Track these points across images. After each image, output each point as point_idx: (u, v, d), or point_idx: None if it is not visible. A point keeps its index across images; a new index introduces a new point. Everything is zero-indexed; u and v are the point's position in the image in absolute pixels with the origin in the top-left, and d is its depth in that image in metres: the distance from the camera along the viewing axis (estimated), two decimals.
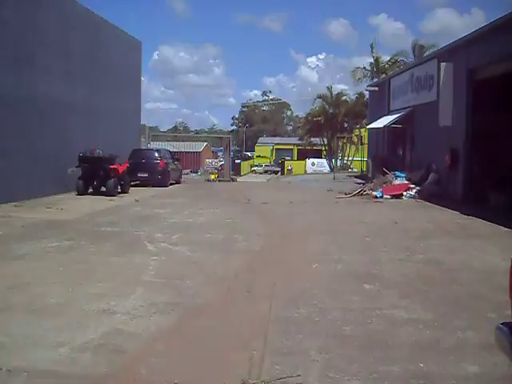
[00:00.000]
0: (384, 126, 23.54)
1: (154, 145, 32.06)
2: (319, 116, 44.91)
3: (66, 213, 13.89)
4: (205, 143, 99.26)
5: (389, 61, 36.84)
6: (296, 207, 15.89)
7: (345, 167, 46.12)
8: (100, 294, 6.51)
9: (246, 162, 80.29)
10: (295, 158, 71.42)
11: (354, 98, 44.50)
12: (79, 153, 18.47)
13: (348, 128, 45.33)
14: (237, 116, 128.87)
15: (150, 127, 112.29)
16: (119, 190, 19.53)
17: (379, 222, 12.72)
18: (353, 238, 10.51)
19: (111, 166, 18.59)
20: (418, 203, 16.90)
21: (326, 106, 45.34)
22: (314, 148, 54.44)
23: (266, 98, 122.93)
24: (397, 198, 18.04)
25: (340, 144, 45.82)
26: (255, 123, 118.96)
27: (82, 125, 20.76)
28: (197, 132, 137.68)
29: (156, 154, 24.03)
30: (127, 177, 20.16)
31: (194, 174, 64.49)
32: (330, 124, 44.71)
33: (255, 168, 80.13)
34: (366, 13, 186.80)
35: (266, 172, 74.44)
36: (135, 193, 20.09)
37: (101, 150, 18.59)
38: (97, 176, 18.65)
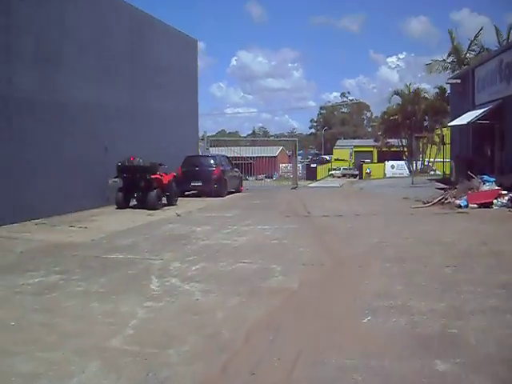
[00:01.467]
0: (468, 123, 20.36)
1: (221, 151, 30.24)
2: (396, 114, 41.34)
3: (87, 232, 11.98)
4: (280, 147, 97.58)
5: (470, 47, 32.68)
6: (361, 221, 13.27)
7: (425, 170, 42.41)
8: (30, 374, 4.37)
9: (323, 165, 77.95)
10: (375, 161, 68.00)
11: (434, 93, 40.79)
12: (118, 162, 16.65)
13: (428, 126, 41.48)
14: (315, 119, 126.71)
15: (230, 133, 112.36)
16: (165, 202, 17.60)
17: (463, 242, 9.91)
18: (427, 268, 7.83)
19: (153, 176, 16.64)
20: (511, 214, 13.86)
21: (403, 103, 41.76)
22: (395, 149, 50.79)
23: (345, 99, 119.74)
24: (485, 207, 15.01)
25: (420, 144, 42.22)
26: (334, 126, 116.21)
27: (127, 131, 19.03)
28: (277, 136, 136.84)
29: (211, 161, 21.97)
30: (174, 187, 18.19)
31: (269, 180, 62.94)
32: (408, 123, 41.06)
33: (333, 172, 77.56)
34: (447, 8, 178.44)
35: (344, 176, 71.57)
36: (184, 205, 18.12)
37: (141, 158, 16.67)
38: (137, 187, 16.73)
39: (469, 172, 16.93)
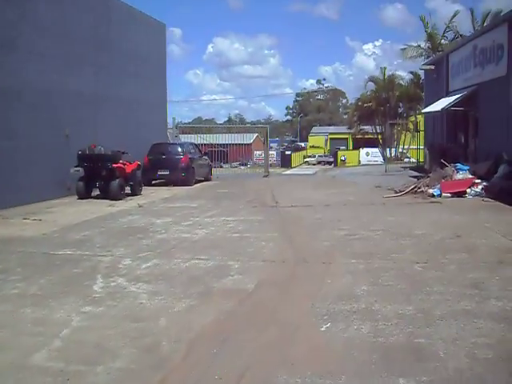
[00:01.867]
0: (442, 110, 19.88)
1: (194, 139, 29.47)
2: (370, 101, 40.78)
3: (40, 226, 11.23)
4: (255, 135, 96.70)
5: (444, 33, 32.06)
6: (330, 212, 12.70)
7: (399, 157, 41.97)
8: None
9: (298, 152, 77.32)
10: (351, 148, 67.56)
11: (408, 80, 40.29)
12: (78, 150, 15.86)
13: (403, 113, 40.99)
14: (291, 106, 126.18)
15: (206, 120, 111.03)
16: (129, 192, 16.88)
17: (435, 234, 9.39)
18: (396, 265, 7.27)
19: (114, 165, 15.86)
20: (486, 203, 13.38)
21: (378, 90, 41.20)
22: (370, 137, 50.29)
23: (321, 86, 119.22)
24: (458, 196, 14.55)
25: (394, 132, 41.79)
26: (310, 113, 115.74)
27: (91, 118, 18.23)
28: (253, 123, 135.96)
29: (178, 149, 21.19)
30: (138, 176, 17.44)
31: (243, 167, 62.18)
32: (382, 110, 40.53)
33: (308, 159, 77.07)
34: None
35: (319, 163, 71.16)
36: (149, 194, 17.40)
37: (102, 146, 15.90)
38: (99, 177, 15.96)
39: (442, 160, 16.45)
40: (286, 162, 61.44)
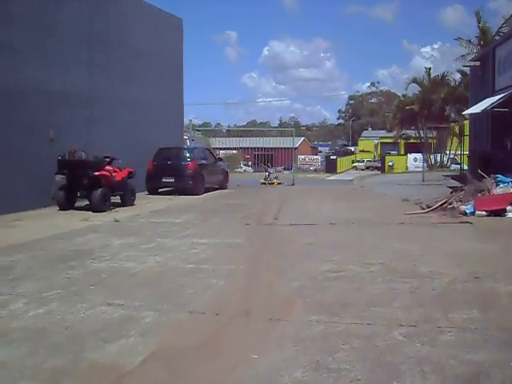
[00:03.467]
0: (482, 111, 17.13)
1: (233, 142, 28.45)
2: (413, 103, 37.62)
3: None
4: (301, 138, 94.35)
5: (500, 28, 28.53)
6: (331, 234, 10.39)
7: (446, 164, 38.62)
8: None
9: (346, 157, 74.35)
10: (402, 153, 64.17)
11: (458, 80, 36.94)
12: (58, 155, 14.10)
13: (449, 116, 37.59)
14: (343, 109, 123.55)
15: (261, 123, 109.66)
16: (119, 202, 15.10)
17: (446, 273, 6.97)
18: (367, 330, 4.97)
19: (97, 173, 14.00)
20: None
21: (422, 92, 38.04)
22: (417, 142, 47.06)
23: (375, 89, 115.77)
24: (496, 214, 11.97)
25: (439, 136, 38.54)
26: (363, 116, 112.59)
27: (83, 120, 16.54)
28: (308, 128, 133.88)
29: (186, 154, 19.22)
30: (130, 185, 15.57)
31: (287, 172, 59.97)
32: (426, 113, 37.30)
33: (356, 164, 74.16)
34: None
35: (368, 168, 68.16)
36: (143, 205, 15.67)
37: (83, 151, 14.07)
38: (80, 185, 14.13)
39: (479, 170, 13.83)
40: (331, 167, 58.80)
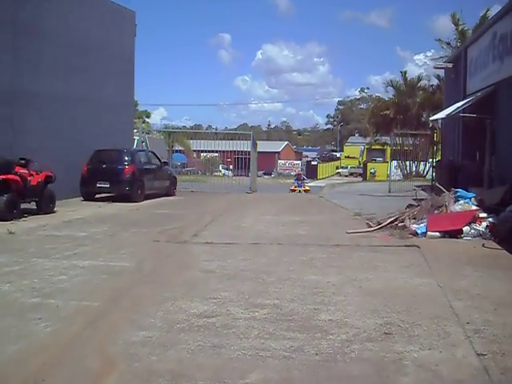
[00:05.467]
0: (447, 116, 15.46)
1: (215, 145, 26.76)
2: (387, 109, 35.85)
3: None
4: (285, 142, 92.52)
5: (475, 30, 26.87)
6: (244, 258, 8.55)
7: (422, 173, 36.70)
8: None
9: (330, 163, 72.61)
10: (387, 159, 62.51)
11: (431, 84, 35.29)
12: None
13: (428, 123, 35.67)
14: (332, 114, 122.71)
15: (252, 126, 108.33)
16: (35, 208, 13.39)
17: (352, 325, 5.23)
18: None
19: (3, 177, 12.20)
20: (485, 252, 9.11)
21: (397, 96, 36.27)
22: (407, 148, 45.23)
23: (364, 95, 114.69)
24: (452, 236, 10.26)
25: (416, 144, 36.69)
26: (351, 121, 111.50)
27: (4, 118, 14.79)
28: (299, 132, 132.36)
29: (124, 157, 17.38)
30: (48, 190, 13.78)
31: (267, 177, 57.99)
32: (402, 118, 35.49)
33: (340, 170, 72.57)
34: (477, 5, 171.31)
35: (351, 174, 66.63)
36: (64, 213, 13.92)
37: None
38: None
39: (437, 183, 12.12)
40: (311, 173, 56.97)
